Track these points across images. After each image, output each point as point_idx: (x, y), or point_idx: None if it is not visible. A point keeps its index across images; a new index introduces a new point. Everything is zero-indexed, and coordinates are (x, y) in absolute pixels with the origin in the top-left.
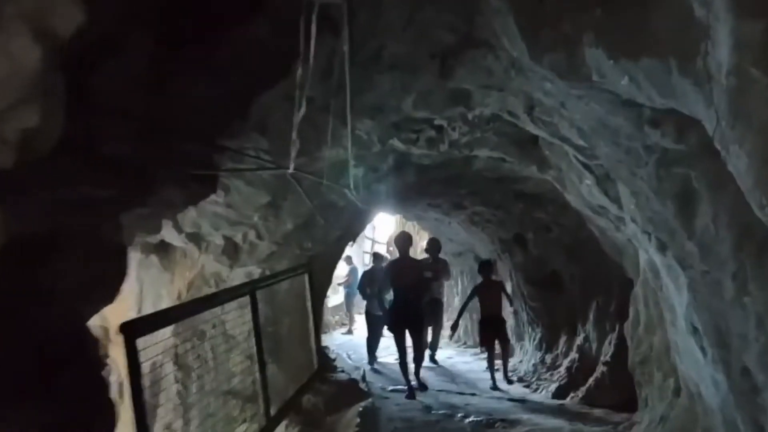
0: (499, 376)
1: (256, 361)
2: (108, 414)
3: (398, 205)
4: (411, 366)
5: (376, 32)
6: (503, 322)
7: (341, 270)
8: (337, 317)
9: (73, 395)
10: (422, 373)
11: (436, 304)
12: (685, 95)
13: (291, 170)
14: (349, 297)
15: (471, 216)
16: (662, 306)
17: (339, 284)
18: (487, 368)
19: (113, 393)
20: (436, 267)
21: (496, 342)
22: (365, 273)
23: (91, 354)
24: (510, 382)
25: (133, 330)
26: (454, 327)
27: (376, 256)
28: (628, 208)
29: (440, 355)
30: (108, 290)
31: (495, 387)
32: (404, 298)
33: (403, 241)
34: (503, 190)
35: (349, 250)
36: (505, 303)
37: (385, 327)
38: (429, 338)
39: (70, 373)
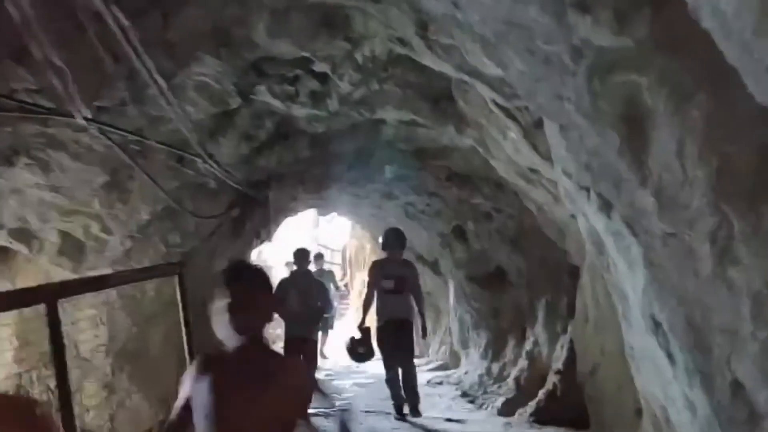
0: None
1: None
2: None
3: (315, 194)
4: None
5: None
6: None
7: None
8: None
9: None
10: (352, 389)
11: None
12: None
13: (83, 120)
14: None
15: (404, 207)
16: (613, 294)
17: None
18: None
19: None
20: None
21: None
22: (280, 282)
23: None
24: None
25: None
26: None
27: (300, 255)
28: (558, 155)
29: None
30: None
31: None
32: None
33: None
34: (429, 169)
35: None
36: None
37: None
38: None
39: None
